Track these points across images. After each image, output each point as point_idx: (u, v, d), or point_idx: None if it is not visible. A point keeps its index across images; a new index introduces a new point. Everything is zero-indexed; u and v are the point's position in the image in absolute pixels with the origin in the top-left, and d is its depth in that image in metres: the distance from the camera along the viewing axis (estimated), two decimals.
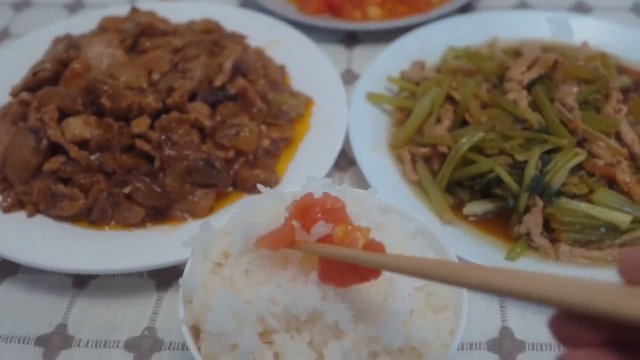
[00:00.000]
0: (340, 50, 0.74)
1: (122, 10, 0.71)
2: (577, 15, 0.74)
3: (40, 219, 0.55)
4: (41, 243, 0.53)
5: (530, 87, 0.61)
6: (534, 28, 0.72)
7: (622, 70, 0.68)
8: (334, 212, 0.43)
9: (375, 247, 0.39)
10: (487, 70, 0.64)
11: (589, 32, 0.71)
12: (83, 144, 0.55)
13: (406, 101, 0.64)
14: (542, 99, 0.59)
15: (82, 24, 0.70)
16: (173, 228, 0.55)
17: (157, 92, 0.59)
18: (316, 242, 0.41)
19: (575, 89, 0.62)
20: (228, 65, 0.61)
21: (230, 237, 0.43)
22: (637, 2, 0.78)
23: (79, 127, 0.56)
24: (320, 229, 0.41)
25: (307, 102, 0.64)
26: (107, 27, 0.68)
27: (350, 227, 0.41)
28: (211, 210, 0.56)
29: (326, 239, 0.41)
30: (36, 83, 0.61)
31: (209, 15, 0.73)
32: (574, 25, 0.72)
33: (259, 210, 0.44)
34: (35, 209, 0.56)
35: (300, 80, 0.67)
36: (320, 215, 0.42)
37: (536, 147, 0.56)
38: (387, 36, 0.73)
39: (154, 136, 0.56)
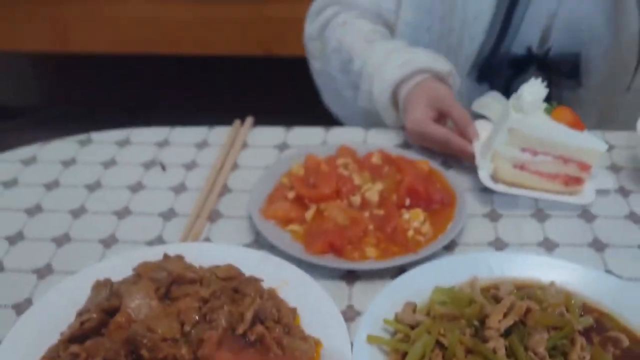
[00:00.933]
0: (342, 286, 0.85)
1: (154, 254, 0.82)
2: (546, 257, 0.87)
3: None
4: None
5: (507, 333, 0.72)
6: (509, 267, 0.84)
7: (585, 308, 0.79)
8: None
9: None
10: (469, 314, 0.75)
11: (556, 272, 0.83)
12: None
13: (401, 344, 0.74)
14: (517, 347, 0.69)
15: (119, 264, 0.82)
16: None
17: (188, 343, 0.69)
18: None
19: (545, 335, 0.72)
20: (249, 316, 0.72)
21: None
22: (595, 238, 0.91)
23: None
24: None
25: (316, 345, 0.74)
26: (142, 273, 0.79)
27: None
28: None
29: None
30: (83, 332, 0.71)
31: (226, 253, 0.85)
32: (543, 265, 0.84)
33: None
34: None
35: (307, 321, 0.77)
36: None
37: None
38: (383, 272, 0.86)
39: None
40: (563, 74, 1.17)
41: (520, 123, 0.94)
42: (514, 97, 0.96)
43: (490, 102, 1.05)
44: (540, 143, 0.95)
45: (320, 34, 1.26)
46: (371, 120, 1.17)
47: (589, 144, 0.95)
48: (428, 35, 1.21)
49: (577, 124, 0.95)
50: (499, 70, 1.13)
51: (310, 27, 1.29)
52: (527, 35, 1.15)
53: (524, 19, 1.12)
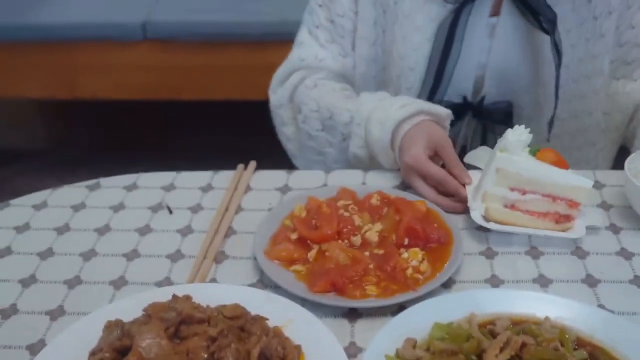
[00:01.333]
0: (344, 323, 0.88)
1: (163, 294, 0.85)
2: (540, 293, 0.90)
3: None
4: None
5: None
6: (505, 303, 0.87)
7: (579, 342, 0.82)
8: None
9: None
10: (467, 350, 0.78)
11: (550, 308, 0.86)
12: None
13: None
14: None
15: (129, 305, 0.85)
16: None
17: None
18: None
19: None
20: (255, 353, 0.75)
21: None
22: (588, 274, 0.95)
23: None
24: None
25: None
26: (152, 314, 0.82)
27: None
28: None
29: None
30: None
31: (232, 293, 0.88)
32: (538, 301, 0.87)
33: None
34: None
35: (311, 358, 0.80)
36: None
37: None
38: (383, 310, 0.89)
39: None
40: (497, 121, 1.25)
41: (505, 162, 0.99)
42: (499, 141, 1.01)
43: (481, 154, 1.10)
44: (528, 182, 0.99)
45: (290, 100, 1.32)
46: (359, 168, 1.22)
47: (575, 181, 0.99)
48: (375, 82, 1.31)
49: (561, 164, 0.99)
50: None
51: (276, 96, 1.35)
52: (461, 85, 1.23)
53: (455, 70, 1.20)
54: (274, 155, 1.40)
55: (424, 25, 1.21)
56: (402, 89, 1.26)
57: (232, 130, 2.88)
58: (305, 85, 1.29)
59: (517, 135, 0.99)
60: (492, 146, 1.08)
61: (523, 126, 1.00)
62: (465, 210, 1.04)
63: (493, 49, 1.21)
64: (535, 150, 1.00)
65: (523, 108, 1.26)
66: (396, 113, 1.14)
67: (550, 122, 1.22)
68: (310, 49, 1.31)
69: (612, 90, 1.29)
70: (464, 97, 1.25)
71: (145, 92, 2.60)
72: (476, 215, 1.00)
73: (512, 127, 1.21)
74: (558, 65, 1.17)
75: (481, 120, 1.27)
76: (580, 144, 1.32)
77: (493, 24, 1.20)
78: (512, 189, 1.00)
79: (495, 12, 1.20)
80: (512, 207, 1.00)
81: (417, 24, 1.21)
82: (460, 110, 1.24)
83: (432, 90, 1.21)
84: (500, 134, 1.24)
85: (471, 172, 1.08)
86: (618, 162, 1.34)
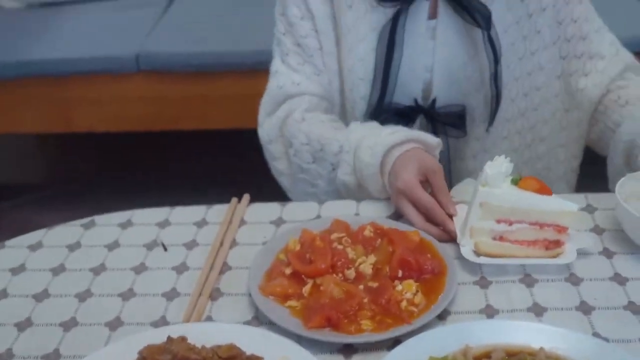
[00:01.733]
0: (340, 359, 0.88)
1: (158, 336, 0.86)
2: (534, 323, 0.90)
3: None
4: None
5: None
6: (500, 334, 0.87)
7: None
8: None
9: None
10: None
11: (545, 337, 0.86)
12: None
13: None
14: None
15: (124, 348, 0.85)
16: None
17: None
18: None
19: None
20: None
21: None
22: (582, 301, 0.95)
23: None
24: None
25: None
26: (146, 356, 0.82)
27: None
28: None
29: None
30: None
31: (227, 332, 0.88)
32: (532, 331, 0.87)
33: None
34: None
35: None
36: None
37: None
38: (379, 344, 0.89)
39: None
40: (449, 124, 1.28)
41: (488, 196, 1.00)
42: (480, 175, 1.02)
43: (466, 187, 1.11)
44: (512, 212, 1.00)
45: (280, 135, 1.34)
46: (348, 197, 1.23)
47: (559, 206, 1.00)
48: (341, 97, 1.34)
49: (544, 190, 1.01)
50: (386, 121, 1.23)
51: (265, 131, 1.36)
52: (410, 89, 1.27)
53: (402, 73, 1.24)
54: (270, 182, 1.41)
55: (367, 35, 1.24)
56: (357, 100, 1.29)
57: (228, 153, 2.90)
58: (294, 119, 1.30)
59: (496, 168, 1.00)
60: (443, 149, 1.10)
61: (503, 156, 1.01)
62: (456, 240, 1.04)
63: (437, 50, 1.24)
64: (517, 179, 1.01)
65: (474, 109, 1.28)
66: (386, 139, 1.15)
67: (490, 119, 1.26)
68: (286, 75, 1.33)
69: (566, 85, 1.32)
70: (415, 100, 1.28)
71: (142, 123, 2.62)
72: (466, 251, 1.01)
73: (464, 129, 1.24)
74: (494, 61, 1.21)
75: (432, 123, 1.29)
76: (529, 141, 1.35)
77: (433, 26, 1.23)
78: (499, 221, 1.00)
79: (434, 15, 1.23)
80: (501, 238, 1.01)
81: (361, 36, 1.25)
82: (409, 113, 1.28)
83: (381, 94, 1.24)
84: (454, 137, 1.26)
85: (458, 206, 1.09)
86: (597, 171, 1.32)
